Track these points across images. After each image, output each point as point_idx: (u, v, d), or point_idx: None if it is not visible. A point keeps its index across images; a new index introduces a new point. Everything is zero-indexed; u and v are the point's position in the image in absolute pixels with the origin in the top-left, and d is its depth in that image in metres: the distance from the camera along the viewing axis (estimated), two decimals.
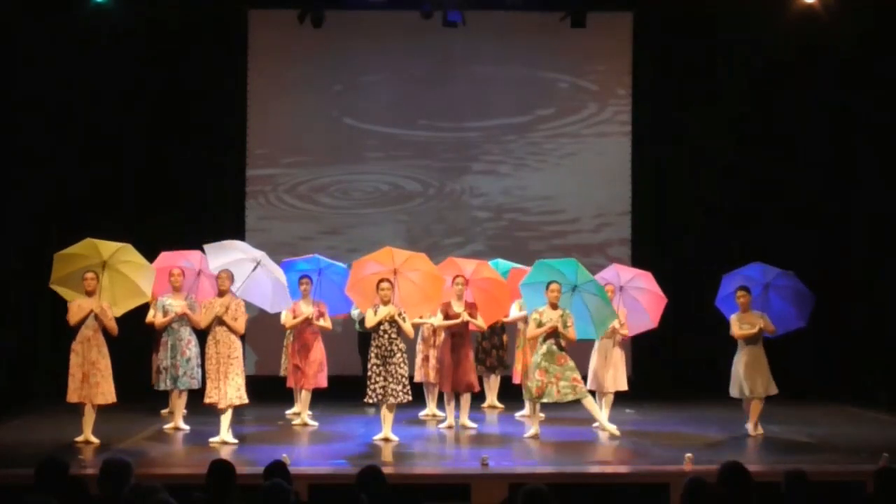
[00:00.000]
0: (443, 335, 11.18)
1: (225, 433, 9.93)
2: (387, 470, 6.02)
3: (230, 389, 9.87)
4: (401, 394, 10.06)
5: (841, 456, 9.71)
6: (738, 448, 10.01)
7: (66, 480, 5.63)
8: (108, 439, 10.01)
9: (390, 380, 10.01)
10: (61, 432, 10.28)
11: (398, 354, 10.08)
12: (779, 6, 13.51)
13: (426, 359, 11.79)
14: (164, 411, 11.45)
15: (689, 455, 8.86)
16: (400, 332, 10.12)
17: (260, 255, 10.41)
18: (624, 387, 11.26)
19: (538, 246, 14.37)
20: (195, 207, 14.03)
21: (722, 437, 10.72)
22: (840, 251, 13.33)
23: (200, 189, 14.18)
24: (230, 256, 10.29)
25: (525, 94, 14.68)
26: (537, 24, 14.44)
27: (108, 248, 10.15)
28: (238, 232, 14.10)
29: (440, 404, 11.74)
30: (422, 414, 11.89)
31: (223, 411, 9.91)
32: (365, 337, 12.58)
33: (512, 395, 12.13)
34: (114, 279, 10.13)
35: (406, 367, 10.20)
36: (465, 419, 11.10)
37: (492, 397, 12.52)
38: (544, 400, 10.32)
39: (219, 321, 9.93)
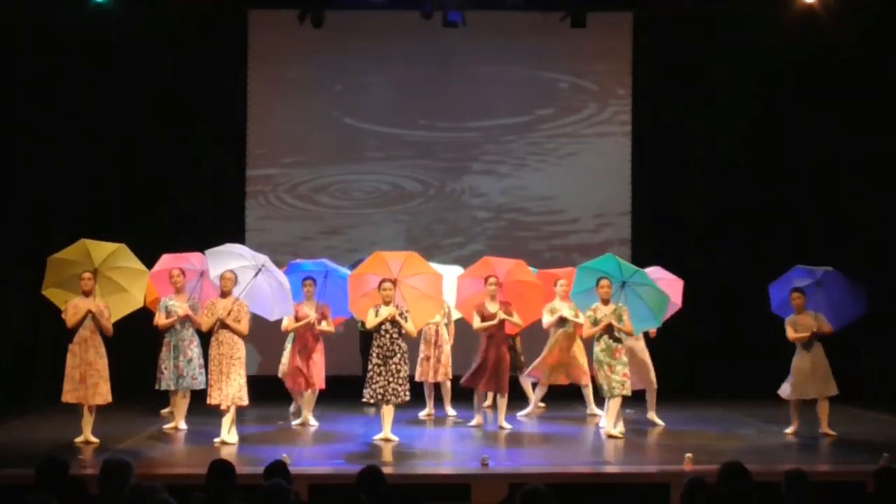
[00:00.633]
0: (481, 336, 11.12)
1: (226, 434, 9.93)
2: (387, 470, 6.01)
3: (231, 390, 9.87)
4: (401, 393, 10.07)
5: (841, 456, 9.72)
6: (739, 448, 10.00)
7: (66, 480, 5.64)
8: (108, 439, 10.01)
9: (391, 379, 10.02)
10: (61, 432, 10.28)
11: (399, 354, 10.10)
12: (779, 6, 13.51)
13: (427, 358, 11.79)
14: (165, 411, 11.46)
15: (689, 455, 8.86)
16: (401, 332, 10.13)
17: (262, 259, 10.33)
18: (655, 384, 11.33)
19: (538, 246, 14.38)
20: (195, 207, 14.03)
21: (722, 437, 10.72)
22: (840, 251, 13.31)
23: (200, 189, 14.18)
24: (232, 263, 10.24)
25: (525, 94, 14.68)
26: (537, 24, 14.44)
27: (99, 253, 10.14)
28: (238, 232, 14.12)
29: (438, 404, 11.81)
30: (422, 414, 11.90)
31: (225, 412, 9.91)
32: (367, 337, 12.58)
33: (556, 395, 12.30)
34: (104, 286, 10.15)
35: (406, 367, 10.20)
36: (502, 420, 11.10)
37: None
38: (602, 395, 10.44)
39: (221, 323, 9.92)
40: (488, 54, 14.55)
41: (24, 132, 13.37)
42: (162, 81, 13.97)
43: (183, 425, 10.77)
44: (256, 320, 10.45)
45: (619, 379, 10.31)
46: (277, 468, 6.00)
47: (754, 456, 9.19)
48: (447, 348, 11.88)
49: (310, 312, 10.95)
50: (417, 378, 11.84)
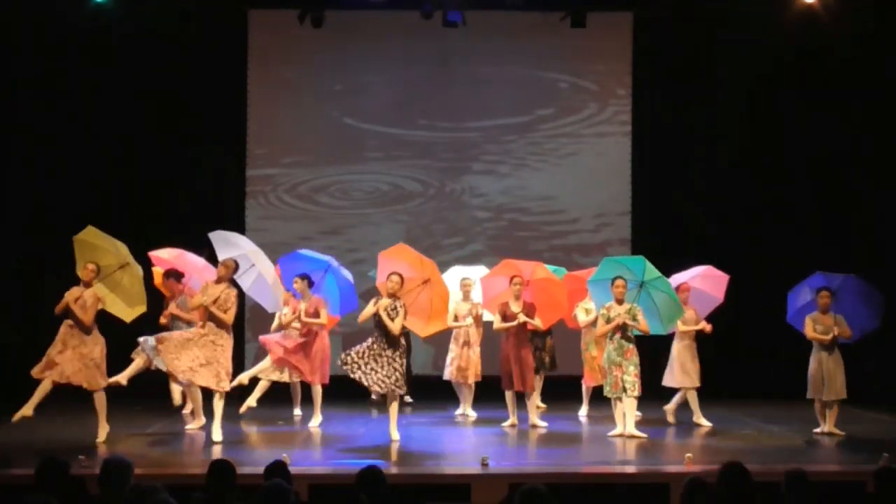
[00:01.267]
0: (504, 335, 11.17)
1: (216, 431, 9.93)
2: (387, 470, 6.01)
3: (208, 372, 9.83)
4: (390, 384, 9.92)
5: (841, 456, 9.73)
6: (738, 448, 10.01)
7: (66, 480, 5.63)
8: (108, 439, 10.01)
9: (379, 370, 9.90)
10: (61, 432, 10.28)
11: (389, 353, 9.95)
12: (779, 6, 13.52)
13: (458, 359, 11.90)
14: (186, 411, 11.35)
15: (689, 455, 8.86)
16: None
17: (255, 252, 10.40)
18: (697, 382, 11.33)
19: (538, 246, 14.38)
20: (195, 207, 14.03)
21: (722, 437, 10.73)
22: (840, 251, 13.31)
23: (200, 189, 14.18)
24: (237, 251, 10.33)
25: (525, 94, 14.69)
26: (537, 24, 14.44)
27: (123, 250, 10.13)
28: (238, 232, 14.05)
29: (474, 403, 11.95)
30: (457, 412, 12.00)
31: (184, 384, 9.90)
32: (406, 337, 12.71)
33: (556, 394, 12.35)
34: (133, 283, 10.12)
35: (400, 367, 10.02)
36: (534, 418, 11.13)
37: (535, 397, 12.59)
38: (608, 394, 10.43)
39: (208, 311, 9.91)
40: (488, 54, 14.55)
41: (24, 132, 13.39)
42: (162, 81, 13.97)
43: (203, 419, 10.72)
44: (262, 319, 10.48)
45: (631, 379, 10.31)
46: (277, 468, 6.00)
47: (754, 456, 9.19)
48: (477, 349, 11.94)
49: (298, 307, 10.99)
50: (448, 377, 12.01)
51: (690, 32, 14.35)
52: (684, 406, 11.43)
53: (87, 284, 9.94)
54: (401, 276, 10.02)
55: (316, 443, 10.38)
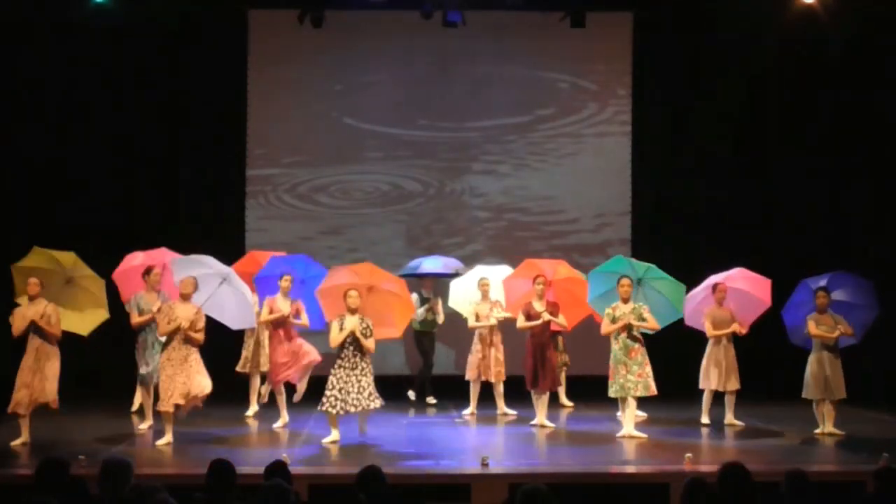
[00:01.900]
0: (526, 335, 11.19)
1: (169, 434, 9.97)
2: (387, 470, 6.01)
3: (187, 389, 9.84)
4: (364, 401, 9.91)
5: (841, 456, 9.73)
6: (738, 448, 10.01)
7: (66, 480, 5.63)
8: (108, 439, 10.01)
9: (350, 391, 9.87)
10: (61, 432, 10.28)
11: (360, 367, 9.93)
12: (779, 6, 13.51)
13: (482, 358, 11.97)
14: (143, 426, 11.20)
15: (689, 455, 8.86)
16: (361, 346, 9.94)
17: (227, 271, 10.32)
18: (738, 385, 11.31)
19: (538, 246, 14.38)
20: (195, 207, 14.03)
21: (722, 437, 10.74)
22: (840, 251, 13.32)
23: (200, 189, 14.18)
24: (196, 271, 10.17)
25: (525, 94, 14.68)
26: (537, 24, 14.43)
27: (66, 259, 10.09)
28: (238, 232, 14.15)
29: (482, 404, 12.01)
30: (465, 412, 12.04)
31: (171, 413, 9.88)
32: (420, 336, 12.70)
33: (583, 393, 12.41)
34: (78, 295, 10.10)
35: (369, 378, 10.00)
36: (542, 418, 11.13)
37: (561, 396, 12.67)
38: (613, 394, 10.44)
39: (181, 332, 9.89)
40: (488, 54, 14.55)
41: (22, 133, 13.37)
42: (162, 81, 13.97)
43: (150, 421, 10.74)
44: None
45: (635, 379, 10.31)
46: (277, 468, 6.00)
47: (754, 456, 9.20)
48: (502, 348, 12.00)
49: (283, 308, 10.97)
50: (468, 377, 12.05)
51: (690, 32, 14.34)
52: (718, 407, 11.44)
53: (33, 298, 9.88)
54: (356, 289, 9.96)
55: (316, 443, 10.37)
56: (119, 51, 13.69)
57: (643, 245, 14.21)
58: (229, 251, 12.21)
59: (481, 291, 12.03)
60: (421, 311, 12.76)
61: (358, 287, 10.06)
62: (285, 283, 11.06)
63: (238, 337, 11.81)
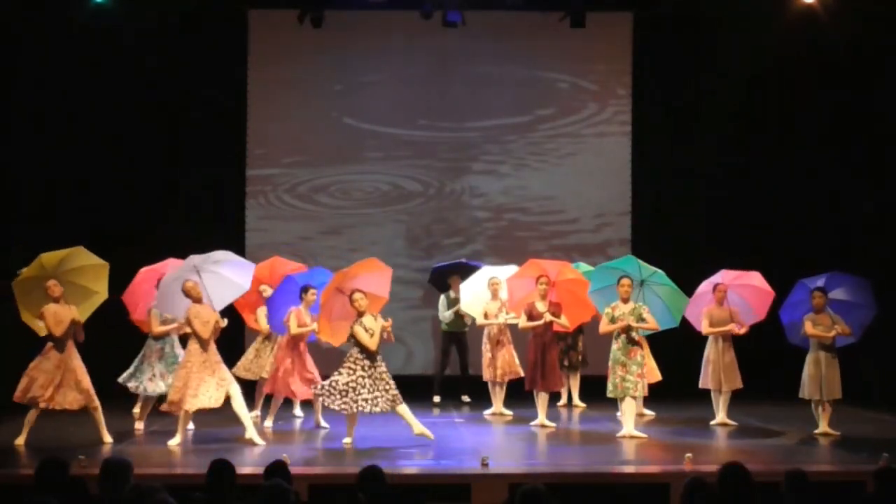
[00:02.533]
0: (530, 335, 11.19)
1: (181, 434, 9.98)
2: (387, 470, 6.01)
3: (219, 392, 9.86)
4: (389, 403, 9.88)
5: (841, 456, 9.73)
6: (738, 448, 10.01)
7: (66, 480, 5.63)
8: (109, 439, 10.01)
9: (380, 391, 9.84)
10: (61, 432, 10.27)
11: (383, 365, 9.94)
12: (779, 6, 13.52)
13: (493, 359, 11.99)
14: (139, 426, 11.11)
15: (689, 455, 8.86)
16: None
17: (194, 261, 10.15)
18: (739, 385, 11.34)
19: (538, 246, 14.38)
20: (195, 207, 14.04)
21: (722, 437, 10.74)
22: (840, 251, 13.31)
23: (200, 189, 14.18)
24: (174, 286, 10.02)
25: (525, 94, 14.69)
26: (537, 24, 14.44)
27: (51, 260, 10.08)
28: (238, 232, 14.16)
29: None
30: (487, 413, 12.07)
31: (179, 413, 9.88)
32: (448, 336, 12.72)
33: (588, 394, 12.44)
34: (66, 291, 10.09)
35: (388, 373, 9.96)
36: (543, 418, 11.14)
37: (574, 397, 12.72)
38: (610, 394, 10.45)
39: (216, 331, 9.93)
40: (488, 54, 14.55)
41: (23, 132, 13.37)
42: (162, 81, 13.96)
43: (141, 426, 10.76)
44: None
45: (634, 380, 10.32)
46: (277, 468, 6.00)
47: (754, 456, 9.20)
48: (510, 348, 12.04)
49: (307, 319, 10.93)
50: (485, 378, 12.10)
51: (690, 32, 14.34)
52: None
53: (57, 300, 9.91)
54: (362, 291, 9.90)
55: (316, 443, 10.38)
56: (119, 51, 13.68)
57: (643, 245, 14.20)
58: (229, 251, 12.19)
59: (491, 291, 12.06)
60: (449, 312, 12.91)
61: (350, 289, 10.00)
62: (311, 296, 10.98)
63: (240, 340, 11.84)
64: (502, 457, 9.32)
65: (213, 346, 9.93)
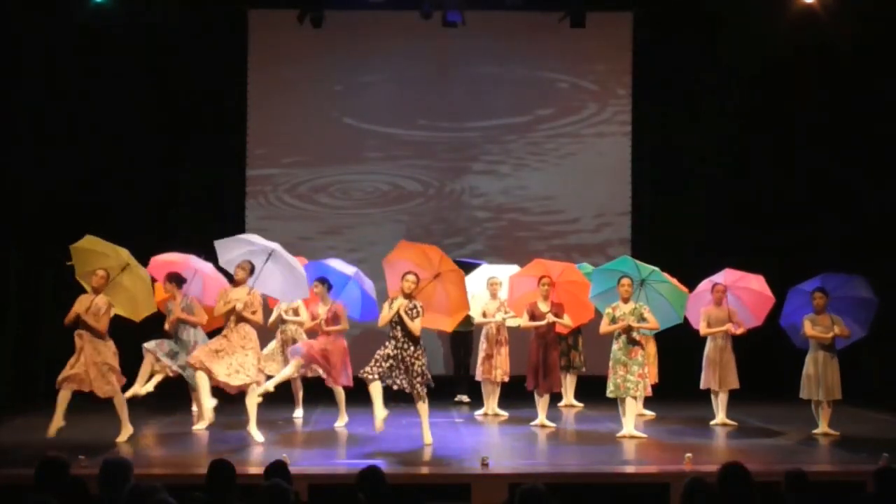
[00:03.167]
0: (532, 335, 11.21)
1: (254, 430, 9.95)
2: (387, 470, 6.01)
3: (248, 373, 9.85)
4: (406, 384, 9.66)
5: (841, 456, 9.73)
6: (739, 448, 10.01)
7: (66, 480, 5.63)
8: (108, 440, 10.01)
9: (401, 367, 9.63)
10: (61, 432, 10.27)
11: (412, 349, 9.68)
12: (779, 6, 13.52)
13: (489, 357, 11.95)
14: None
15: (689, 455, 8.86)
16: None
17: (273, 245, 10.29)
18: (735, 385, 11.34)
19: (538, 246, 14.39)
20: (195, 207, 14.04)
21: (722, 437, 10.74)
22: (840, 251, 13.31)
23: (200, 189, 14.19)
24: (241, 249, 10.23)
25: (525, 94, 14.69)
26: (537, 24, 14.45)
27: (121, 250, 10.14)
28: (238, 232, 14.03)
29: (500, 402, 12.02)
30: (478, 413, 12.05)
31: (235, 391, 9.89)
32: (456, 336, 12.74)
33: (588, 394, 12.41)
34: (136, 283, 10.13)
35: (422, 362, 9.72)
36: (543, 418, 11.14)
37: (569, 397, 12.70)
38: (610, 394, 10.44)
39: (237, 315, 9.86)
40: (488, 54, 14.56)
41: (23, 132, 13.37)
42: (162, 81, 13.98)
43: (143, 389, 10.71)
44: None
45: (635, 380, 10.32)
46: (277, 468, 6.00)
47: (754, 456, 9.20)
48: (506, 348, 12.03)
49: (320, 312, 10.97)
50: (479, 377, 12.07)
51: (690, 32, 14.35)
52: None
53: (97, 291, 9.94)
54: (416, 274, 9.78)
55: (316, 443, 10.37)
56: (119, 51, 13.69)
57: (643, 245, 14.22)
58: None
59: (490, 291, 12.04)
60: None
61: (423, 272, 9.92)
62: (317, 289, 11.02)
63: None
64: (502, 457, 9.32)
65: (235, 331, 9.87)
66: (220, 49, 14.23)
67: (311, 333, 11.30)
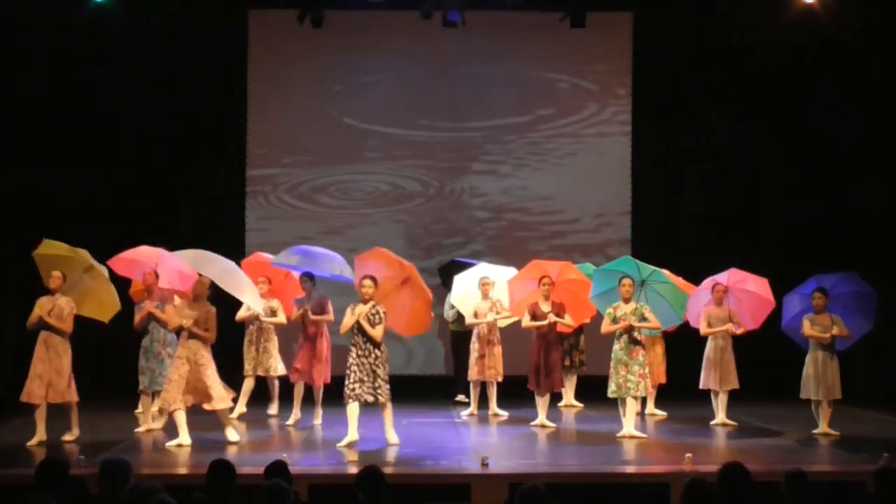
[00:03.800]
0: (533, 336, 11.20)
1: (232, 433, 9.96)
2: (387, 470, 6.01)
3: (201, 394, 9.82)
4: (370, 395, 9.71)
5: (841, 456, 9.73)
6: (738, 448, 10.01)
7: (66, 480, 5.63)
8: (108, 439, 10.01)
9: (365, 380, 9.72)
10: (61, 432, 10.27)
11: (376, 354, 9.73)
12: (779, 6, 13.51)
13: (481, 357, 11.93)
14: (138, 411, 11.18)
15: (689, 455, 8.86)
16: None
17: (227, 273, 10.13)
18: (735, 385, 11.34)
19: (538, 246, 14.38)
20: (195, 207, 14.03)
21: (722, 437, 10.74)
22: (840, 251, 13.30)
23: (200, 189, 14.18)
24: (212, 269, 9.96)
25: (525, 94, 14.69)
26: (537, 24, 14.45)
27: (82, 253, 10.16)
28: (238, 232, 14.16)
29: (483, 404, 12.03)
30: (464, 413, 12.05)
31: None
32: (456, 336, 12.73)
33: (588, 394, 12.40)
34: (99, 283, 10.13)
35: (384, 369, 9.79)
36: (543, 418, 11.14)
37: (569, 397, 12.70)
38: (611, 394, 10.43)
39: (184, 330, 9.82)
40: (488, 54, 14.56)
41: (23, 131, 13.36)
42: (162, 81, 13.96)
43: (154, 425, 10.70)
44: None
45: (635, 379, 10.32)
46: (277, 468, 6.00)
47: (754, 456, 9.20)
48: (498, 348, 11.99)
49: (304, 306, 11.00)
50: (471, 377, 12.05)
51: (690, 32, 14.34)
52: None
53: (55, 292, 9.93)
54: (373, 278, 9.78)
55: (316, 443, 10.37)
56: (119, 51, 13.68)
57: (643, 245, 14.21)
58: (229, 251, 12.18)
59: (481, 291, 12.01)
60: (453, 311, 12.87)
61: (391, 271, 9.96)
62: (305, 284, 11.08)
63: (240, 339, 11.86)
64: (502, 457, 9.32)
65: (186, 347, 9.78)
66: (220, 49, 14.21)
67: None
